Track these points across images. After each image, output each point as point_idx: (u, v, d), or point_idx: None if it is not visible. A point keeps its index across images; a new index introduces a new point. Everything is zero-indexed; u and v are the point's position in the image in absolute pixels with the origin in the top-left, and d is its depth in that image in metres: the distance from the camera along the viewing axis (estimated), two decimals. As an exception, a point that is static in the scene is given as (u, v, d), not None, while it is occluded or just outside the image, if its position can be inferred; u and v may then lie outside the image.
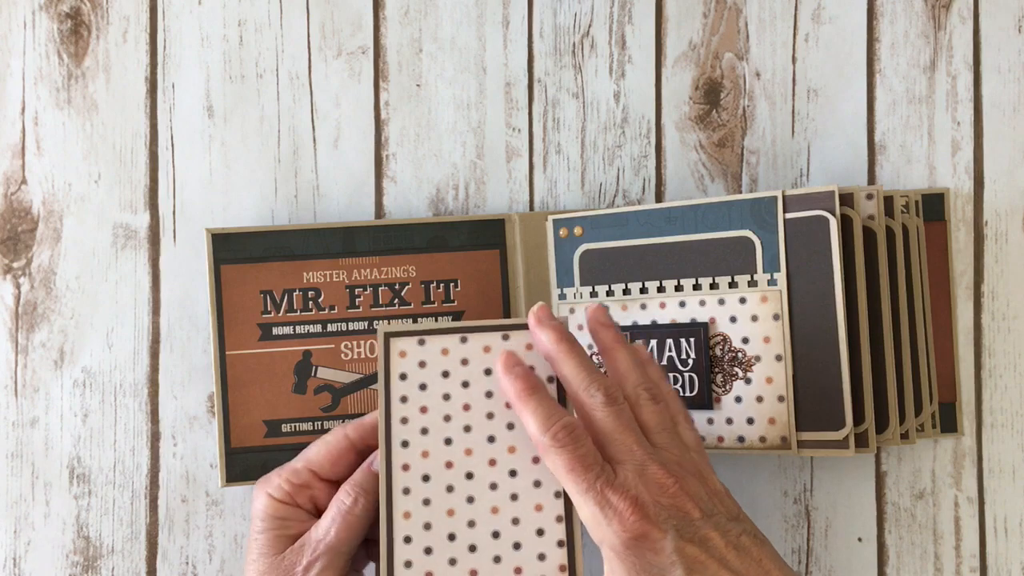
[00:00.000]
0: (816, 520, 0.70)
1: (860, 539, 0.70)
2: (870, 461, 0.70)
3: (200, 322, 0.71)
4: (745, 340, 0.64)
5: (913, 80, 0.71)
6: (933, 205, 0.70)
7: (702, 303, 0.66)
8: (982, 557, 0.70)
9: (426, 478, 0.56)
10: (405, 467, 0.56)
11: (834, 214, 0.62)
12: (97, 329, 0.70)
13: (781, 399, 0.64)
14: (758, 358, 0.64)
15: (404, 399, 0.57)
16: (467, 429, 0.57)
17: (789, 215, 0.63)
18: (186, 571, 0.70)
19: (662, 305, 0.67)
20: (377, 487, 0.58)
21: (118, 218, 0.71)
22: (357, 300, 0.69)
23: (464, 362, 0.58)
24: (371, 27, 0.72)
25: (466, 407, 0.57)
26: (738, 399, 0.65)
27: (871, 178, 0.71)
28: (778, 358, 0.64)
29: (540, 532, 0.56)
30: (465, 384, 0.58)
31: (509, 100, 0.72)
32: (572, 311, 0.68)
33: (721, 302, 0.65)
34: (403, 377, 0.57)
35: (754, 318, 0.64)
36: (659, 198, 0.71)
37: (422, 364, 0.57)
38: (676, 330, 0.66)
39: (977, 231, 0.71)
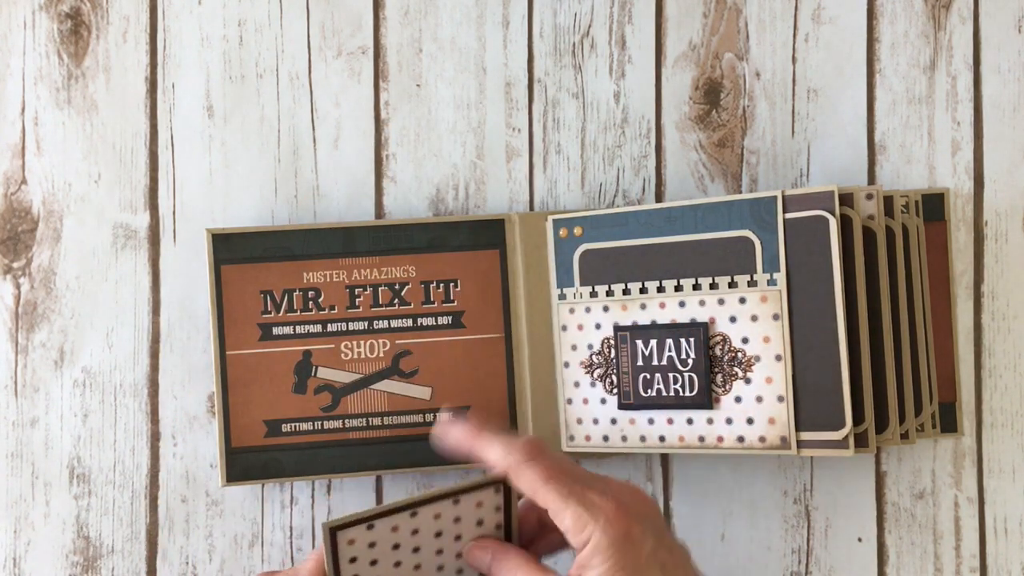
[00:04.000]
0: (816, 520, 0.70)
1: (860, 539, 0.71)
2: (870, 461, 0.71)
3: (200, 322, 0.71)
4: (745, 340, 0.65)
5: (913, 80, 0.72)
6: (933, 205, 0.71)
7: (702, 303, 0.66)
8: (982, 557, 0.70)
9: None
10: None
11: (834, 214, 0.62)
12: (97, 329, 0.71)
13: (781, 399, 0.64)
14: (758, 358, 0.64)
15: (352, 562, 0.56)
16: (417, 567, 0.58)
17: (788, 215, 0.64)
18: (186, 571, 0.70)
19: (662, 305, 0.67)
20: None
21: (118, 218, 0.72)
22: (357, 300, 0.70)
23: (415, 532, 0.56)
24: (371, 27, 0.72)
25: (417, 567, 0.58)
26: (738, 399, 0.65)
27: (871, 178, 0.72)
28: (778, 358, 0.64)
29: None
30: (416, 549, 0.57)
31: (509, 100, 0.72)
32: (572, 311, 0.69)
33: (721, 302, 0.65)
34: (352, 560, 0.55)
35: (754, 318, 0.64)
36: (659, 198, 0.72)
37: (372, 545, 0.55)
38: (676, 330, 0.66)
39: (977, 231, 0.71)
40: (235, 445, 0.68)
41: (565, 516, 0.53)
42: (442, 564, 0.58)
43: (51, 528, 0.70)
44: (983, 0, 0.72)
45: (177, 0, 0.72)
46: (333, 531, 0.54)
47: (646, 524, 0.54)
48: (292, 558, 0.71)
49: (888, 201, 0.66)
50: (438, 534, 0.57)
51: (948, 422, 0.70)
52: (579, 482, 0.54)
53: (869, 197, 0.64)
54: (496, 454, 0.55)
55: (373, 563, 0.56)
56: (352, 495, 0.71)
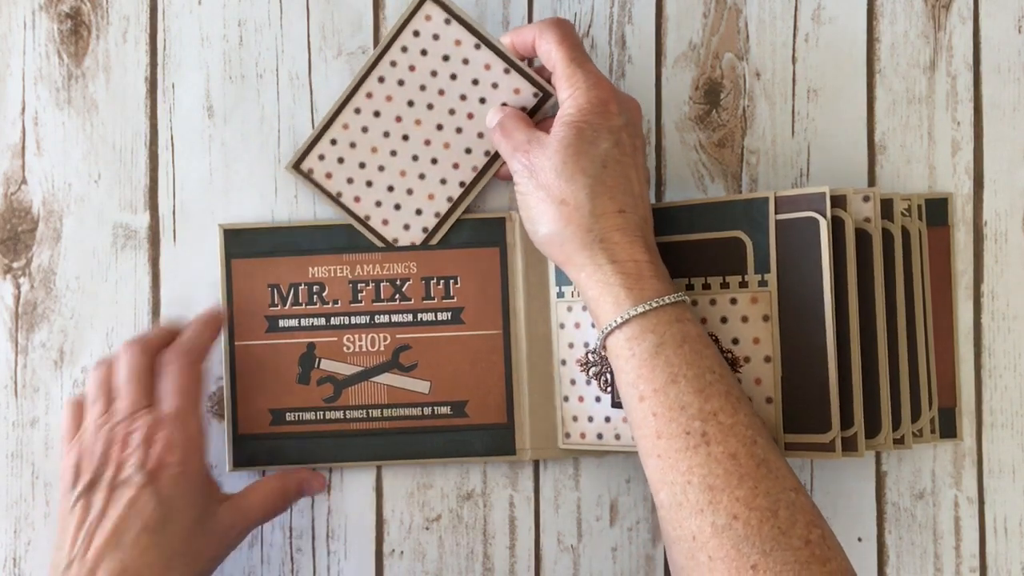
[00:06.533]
0: None
1: (860, 539, 0.74)
2: (870, 461, 0.74)
3: (199, 322, 0.74)
4: (735, 341, 0.68)
5: (913, 80, 0.75)
6: (936, 209, 0.74)
7: (694, 303, 0.69)
8: (982, 557, 0.74)
9: (376, 114, 0.72)
10: (369, 95, 0.72)
11: (825, 216, 0.65)
12: (97, 329, 0.74)
13: (769, 401, 0.67)
14: (747, 359, 0.67)
15: (404, 49, 0.71)
16: (430, 107, 0.72)
17: (780, 216, 0.66)
18: None
19: None
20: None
21: (118, 218, 0.75)
22: (360, 295, 0.74)
23: (465, 61, 0.71)
24: (371, 27, 0.75)
25: (441, 92, 0.72)
26: None
27: (871, 178, 0.75)
28: (767, 360, 0.67)
29: (431, 196, 0.73)
30: (453, 76, 0.71)
31: None
32: (570, 309, 0.72)
33: (712, 302, 0.68)
34: (416, 34, 0.71)
35: (744, 319, 0.67)
36: (659, 198, 0.75)
37: (436, 37, 0.71)
38: None
39: (977, 231, 0.74)
40: (241, 432, 0.73)
41: (566, 72, 0.65)
42: (454, 109, 0.72)
43: (51, 528, 0.73)
44: (983, 0, 0.75)
45: (177, 0, 0.75)
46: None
47: (623, 108, 0.65)
48: (292, 558, 0.74)
49: (888, 204, 0.69)
50: (475, 82, 0.72)
51: (948, 427, 0.73)
52: (586, 56, 0.67)
53: (866, 199, 0.67)
54: (527, 28, 0.69)
55: (423, 52, 0.72)
56: (351, 494, 0.74)
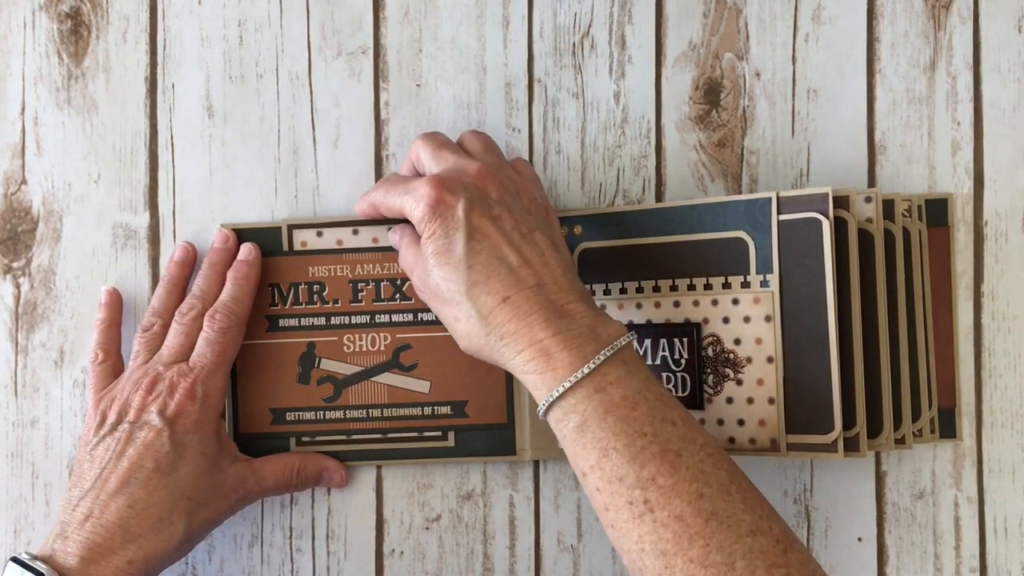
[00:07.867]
0: (816, 520, 0.74)
1: (860, 539, 0.74)
2: (870, 461, 0.74)
3: (200, 322, 0.75)
4: (737, 341, 0.68)
5: (913, 80, 0.75)
6: (936, 210, 0.74)
7: (696, 303, 0.69)
8: (982, 557, 0.74)
9: None
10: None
11: (828, 216, 0.65)
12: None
13: (771, 401, 0.67)
14: (749, 359, 0.67)
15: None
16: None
17: (783, 217, 0.67)
18: (185, 571, 0.74)
19: (657, 305, 0.70)
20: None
21: (118, 218, 0.75)
22: (360, 294, 0.74)
23: (355, 252, 0.73)
24: (371, 27, 0.76)
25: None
26: (729, 400, 0.68)
27: (871, 178, 0.75)
28: (769, 360, 0.67)
29: None
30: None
31: (509, 100, 0.76)
32: None
33: (715, 303, 0.69)
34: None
35: (746, 319, 0.67)
36: (659, 198, 0.75)
37: (321, 252, 0.73)
38: (670, 330, 0.70)
39: (977, 231, 0.74)
40: (242, 431, 0.73)
41: (403, 208, 0.64)
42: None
43: (51, 528, 0.71)
44: (983, 0, 0.75)
45: (177, 0, 0.75)
46: (291, 228, 0.73)
47: (457, 191, 0.63)
48: (292, 558, 0.74)
49: (889, 204, 0.69)
50: None
51: (947, 427, 0.73)
52: (407, 181, 0.65)
53: (868, 200, 0.67)
54: (367, 209, 0.69)
55: None
56: (351, 494, 0.75)
